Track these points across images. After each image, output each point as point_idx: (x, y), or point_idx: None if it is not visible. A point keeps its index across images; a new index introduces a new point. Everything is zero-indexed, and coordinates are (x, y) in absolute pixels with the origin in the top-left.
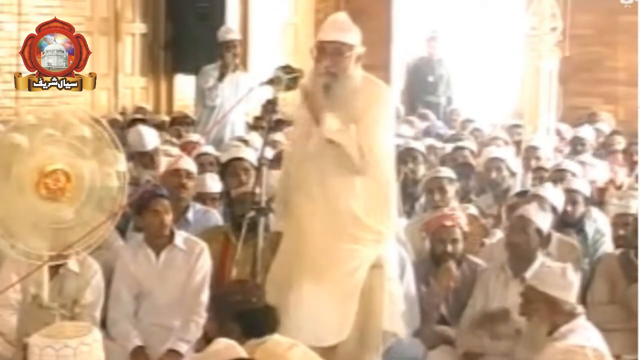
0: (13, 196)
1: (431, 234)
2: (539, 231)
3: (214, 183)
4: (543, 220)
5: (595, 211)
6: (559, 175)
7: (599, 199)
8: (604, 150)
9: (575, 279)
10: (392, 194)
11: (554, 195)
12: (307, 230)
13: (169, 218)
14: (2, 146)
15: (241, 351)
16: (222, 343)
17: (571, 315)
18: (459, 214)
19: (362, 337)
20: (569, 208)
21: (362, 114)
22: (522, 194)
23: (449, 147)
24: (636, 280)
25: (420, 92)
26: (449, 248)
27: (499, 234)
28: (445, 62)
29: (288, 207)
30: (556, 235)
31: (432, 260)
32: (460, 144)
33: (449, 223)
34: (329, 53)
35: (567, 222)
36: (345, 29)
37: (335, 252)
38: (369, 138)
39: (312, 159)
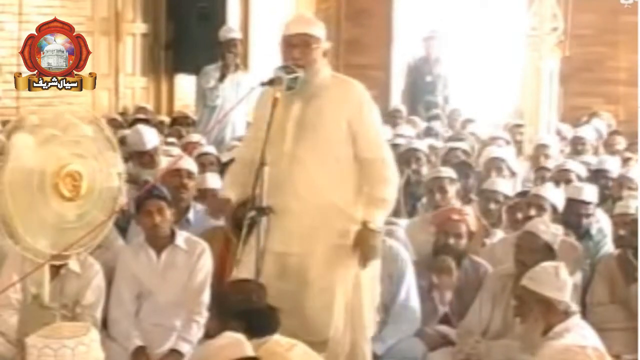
0: (33, 199)
1: (437, 226)
2: (548, 246)
3: (214, 180)
4: (552, 235)
5: (598, 211)
6: (563, 176)
7: (615, 194)
8: (605, 150)
9: (568, 278)
10: None
11: (555, 195)
12: (293, 229)
13: (161, 219)
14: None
15: (247, 348)
16: (228, 338)
17: (566, 314)
18: (469, 212)
19: (350, 330)
20: (585, 221)
21: (358, 124)
22: (523, 194)
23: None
24: (635, 280)
25: (419, 91)
26: (451, 241)
27: (499, 234)
28: (443, 62)
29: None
30: None
31: (435, 253)
32: (454, 144)
33: (456, 217)
34: (296, 45)
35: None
36: (310, 23)
37: (326, 249)
38: (378, 148)
39: (292, 158)
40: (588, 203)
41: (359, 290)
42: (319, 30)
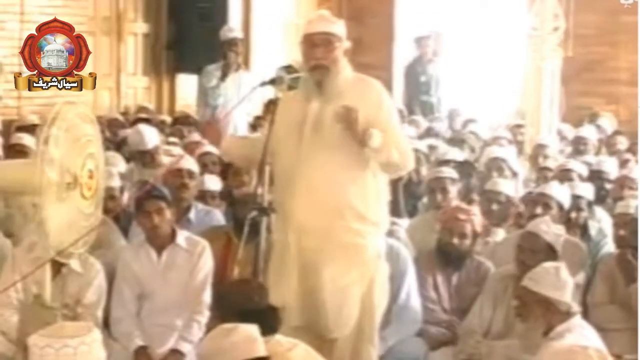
0: (66, 196)
1: (442, 223)
2: (549, 246)
3: (212, 182)
4: (554, 235)
5: (599, 211)
6: (565, 175)
7: (616, 195)
8: (607, 150)
9: (569, 278)
10: (385, 183)
11: (561, 193)
12: (306, 228)
13: (160, 219)
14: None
15: (260, 348)
16: (242, 334)
17: (567, 315)
18: (476, 213)
19: (358, 330)
20: (574, 215)
21: (375, 116)
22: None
23: (446, 149)
24: (634, 280)
25: (415, 92)
26: (455, 240)
27: (500, 233)
28: (437, 62)
29: (281, 205)
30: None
31: (438, 251)
32: (447, 157)
33: (462, 217)
34: (319, 44)
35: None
36: (332, 21)
37: (339, 248)
38: (395, 136)
39: (310, 155)
40: (580, 197)
41: (372, 294)
42: (340, 28)
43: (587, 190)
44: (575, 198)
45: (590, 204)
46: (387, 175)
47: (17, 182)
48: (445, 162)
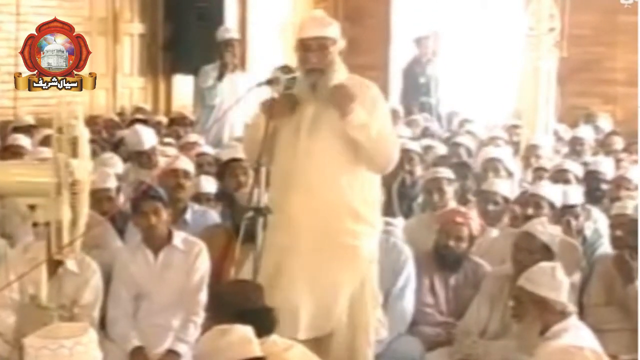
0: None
1: (440, 226)
2: (545, 247)
3: (208, 184)
4: (550, 236)
5: (595, 211)
6: (561, 176)
7: (612, 196)
8: (602, 150)
9: (565, 278)
10: (378, 184)
11: (552, 192)
12: (301, 228)
13: (157, 220)
14: None
15: (255, 348)
16: (237, 334)
17: (563, 315)
18: (473, 216)
19: (353, 330)
20: (574, 223)
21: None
22: (522, 195)
23: (442, 149)
24: (632, 281)
25: (414, 93)
26: (452, 243)
27: (495, 233)
28: (435, 63)
29: (277, 205)
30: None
31: (435, 253)
32: (458, 140)
33: (459, 220)
34: (314, 49)
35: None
36: (325, 24)
37: (334, 249)
38: (386, 136)
39: (306, 156)
40: (573, 206)
41: (364, 294)
42: (334, 30)
43: (577, 195)
44: (569, 207)
45: (583, 205)
46: (380, 176)
47: (18, 183)
48: (455, 145)
